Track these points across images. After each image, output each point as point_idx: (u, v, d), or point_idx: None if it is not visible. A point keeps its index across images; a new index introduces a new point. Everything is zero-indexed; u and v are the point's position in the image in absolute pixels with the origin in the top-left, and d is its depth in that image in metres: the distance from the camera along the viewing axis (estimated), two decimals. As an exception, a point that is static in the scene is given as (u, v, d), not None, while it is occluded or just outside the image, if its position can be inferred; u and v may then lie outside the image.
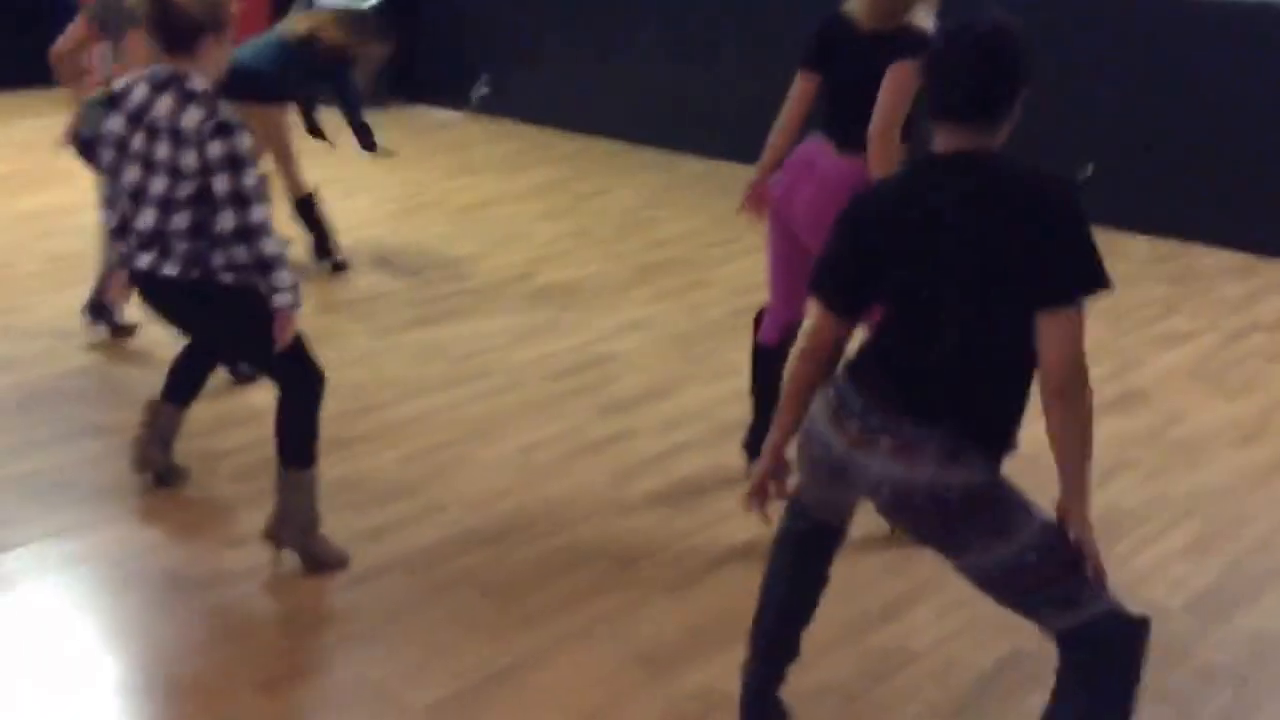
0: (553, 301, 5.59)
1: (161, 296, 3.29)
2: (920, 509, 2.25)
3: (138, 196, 3.18)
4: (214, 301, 3.23)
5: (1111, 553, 3.02)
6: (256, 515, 3.44)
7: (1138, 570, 3.47)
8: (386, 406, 4.37)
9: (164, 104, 3.13)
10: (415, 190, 7.32)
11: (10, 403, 4.32)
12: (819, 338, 2.40)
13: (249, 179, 3.08)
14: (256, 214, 3.09)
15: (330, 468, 3.55)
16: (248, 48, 5.35)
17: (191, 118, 3.08)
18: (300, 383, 3.29)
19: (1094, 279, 2.16)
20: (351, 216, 6.37)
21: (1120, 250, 6.57)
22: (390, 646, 3.04)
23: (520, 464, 4.02)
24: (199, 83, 3.15)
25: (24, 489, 3.73)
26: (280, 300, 3.14)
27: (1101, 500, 3.32)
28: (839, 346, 2.43)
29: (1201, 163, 6.58)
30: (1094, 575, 2.21)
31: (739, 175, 7.41)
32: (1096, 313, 5.34)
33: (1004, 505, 2.24)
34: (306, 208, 5.77)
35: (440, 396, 4.48)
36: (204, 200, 3.11)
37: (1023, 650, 3.00)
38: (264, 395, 3.75)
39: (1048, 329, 2.15)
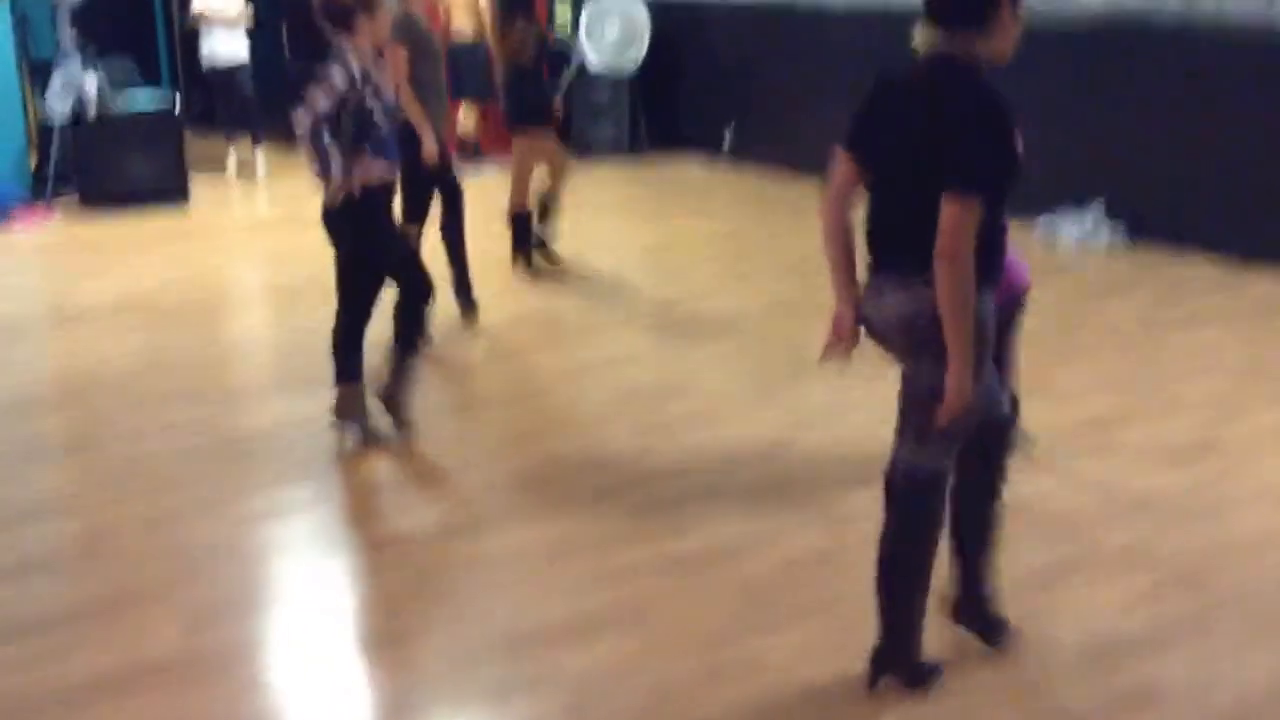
0: (666, 331, 5.82)
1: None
2: (924, 327, 2.69)
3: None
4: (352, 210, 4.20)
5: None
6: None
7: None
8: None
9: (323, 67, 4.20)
10: (610, 234, 7.79)
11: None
12: (841, 176, 2.87)
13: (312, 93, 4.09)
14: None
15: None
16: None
17: (337, 76, 4.14)
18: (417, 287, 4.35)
19: (969, 180, 2.59)
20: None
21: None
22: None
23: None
24: (351, 53, 4.19)
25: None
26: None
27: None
28: (853, 191, 2.86)
29: None
30: (938, 421, 2.68)
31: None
32: (1229, 367, 5.05)
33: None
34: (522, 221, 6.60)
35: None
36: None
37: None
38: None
39: (942, 208, 2.60)
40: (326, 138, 4.10)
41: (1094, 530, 3.74)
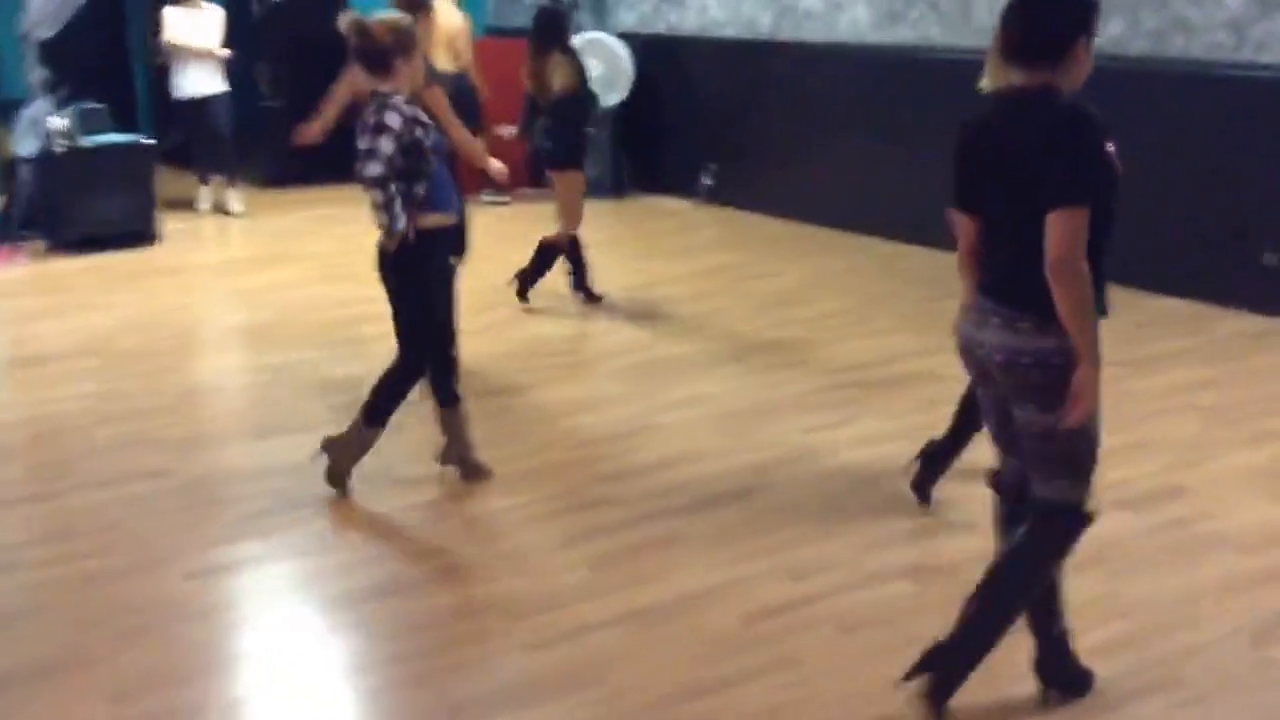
0: (639, 374, 5.77)
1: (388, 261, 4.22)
2: (1027, 369, 2.80)
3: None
4: (407, 256, 4.13)
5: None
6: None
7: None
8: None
9: (370, 113, 4.10)
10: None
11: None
12: (965, 237, 3.00)
13: (379, 143, 4.01)
14: (370, 169, 4.02)
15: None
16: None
17: (392, 119, 4.03)
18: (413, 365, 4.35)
19: (1074, 192, 2.68)
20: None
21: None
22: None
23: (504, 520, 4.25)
24: (394, 96, 4.10)
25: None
26: (379, 220, 4.07)
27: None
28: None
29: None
30: (1078, 416, 2.73)
31: (926, 259, 7.62)
32: (1198, 409, 5.02)
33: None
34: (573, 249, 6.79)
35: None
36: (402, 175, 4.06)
37: None
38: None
39: (1048, 224, 2.69)
40: (393, 186, 4.04)
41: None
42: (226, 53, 9.10)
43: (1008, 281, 2.85)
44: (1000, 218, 2.87)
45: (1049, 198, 2.68)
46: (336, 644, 3.50)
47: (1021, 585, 2.97)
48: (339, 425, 4.99)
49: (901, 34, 8.08)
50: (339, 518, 4.24)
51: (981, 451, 4.56)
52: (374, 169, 4.02)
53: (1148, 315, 6.35)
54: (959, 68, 7.85)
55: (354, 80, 5.33)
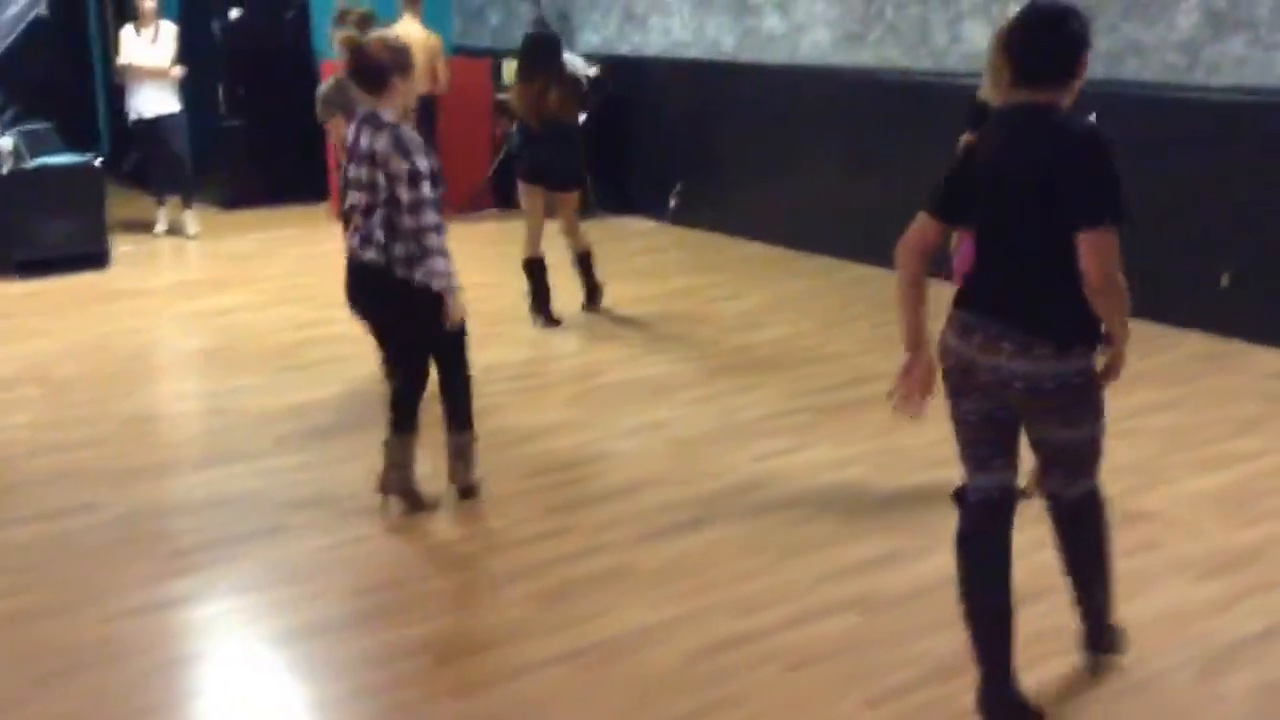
0: (595, 400, 5.69)
1: (364, 284, 4.10)
2: (1050, 393, 2.88)
3: (356, 208, 4.06)
4: (394, 291, 4.02)
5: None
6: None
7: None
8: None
9: (364, 135, 4.00)
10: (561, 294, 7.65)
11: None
12: (923, 235, 3.03)
13: (423, 190, 3.90)
14: (427, 218, 3.92)
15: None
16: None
17: (382, 143, 3.92)
18: (458, 368, 4.34)
19: (1111, 208, 2.75)
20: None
21: (1246, 363, 5.92)
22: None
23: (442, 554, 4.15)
24: (389, 115, 4.00)
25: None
26: (438, 284, 3.96)
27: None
28: (934, 249, 3.03)
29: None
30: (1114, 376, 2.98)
31: (890, 282, 7.54)
32: (1153, 432, 4.97)
33: (1098, 392, 2.98)
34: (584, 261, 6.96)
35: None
36: (392, 205, 3.96)
37: None
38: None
39: (1083, 246, 2.76)
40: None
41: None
42: (180, 71, 8.98)
43: (1023, 307, 2.87)
44: (1014, 240, 2.88)
45: (1082, 218, 2.74)
46: (260, 690, 3.38)
47: (1104, 561, 3.21)
48: (282, 456, 4.91)
49: (862, 56, 8.05)
50: (277, 553, 4.13)
51: (938, 474, 4.56)
52: (430, 218, 3.95)
53: (1107, 337, 6.32)
54: (918, 89, 7.97)
55: (339, 132, 5.29)
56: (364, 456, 4.58)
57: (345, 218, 4.36)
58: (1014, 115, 2.92)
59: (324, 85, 6.08)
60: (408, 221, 3.94)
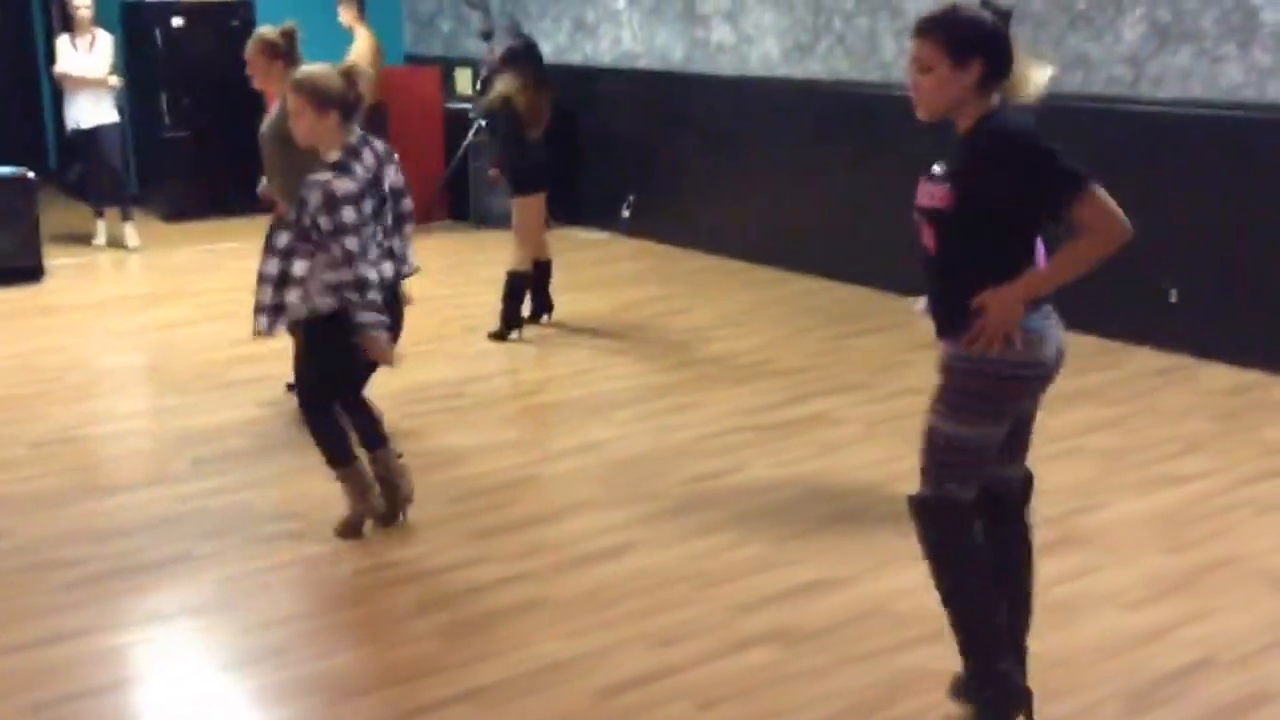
0: (530, 420, 5.56)
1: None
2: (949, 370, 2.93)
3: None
4: (315, 327, 4.01)
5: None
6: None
7: None
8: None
9: (368, 157, 4.05)
10: (494, 310, 7.51)
11: None
12: None
13: (343, 217, 3.82)
14: (350, 243, 3.82)
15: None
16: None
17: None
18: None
19: (1076, 176, 2.74)
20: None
21: (1194, 379, 5.83)
22: None
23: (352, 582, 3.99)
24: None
25: None
26: (364, 318, 3.85)
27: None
28: None
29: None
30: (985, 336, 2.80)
31: (841, 294, 7.49)
32: (1095, 451, 4.87)
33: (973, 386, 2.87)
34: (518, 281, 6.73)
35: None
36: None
37: None
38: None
39: (1077, 217, 2.76)
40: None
41: (941, 635, 3.47)
42: (117, 81, 8.81)
43: (955, 290, 2.91)
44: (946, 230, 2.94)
45: (1061, 192, 2.74)
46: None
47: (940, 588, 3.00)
48: (197, 481, 4.74)
49: (811, 67, 7.95)
50: (180, 584, 3.95)
51: (871, 497, 4.44)
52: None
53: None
54: (866, 101, 7.87)
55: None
56: (280, 481, 4.43)
57: None
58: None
59: None
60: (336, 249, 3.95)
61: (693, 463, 4.93)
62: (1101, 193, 2.75)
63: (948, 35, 2.76)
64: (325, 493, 4.36)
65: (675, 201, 9.20)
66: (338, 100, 3.95)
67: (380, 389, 5.51)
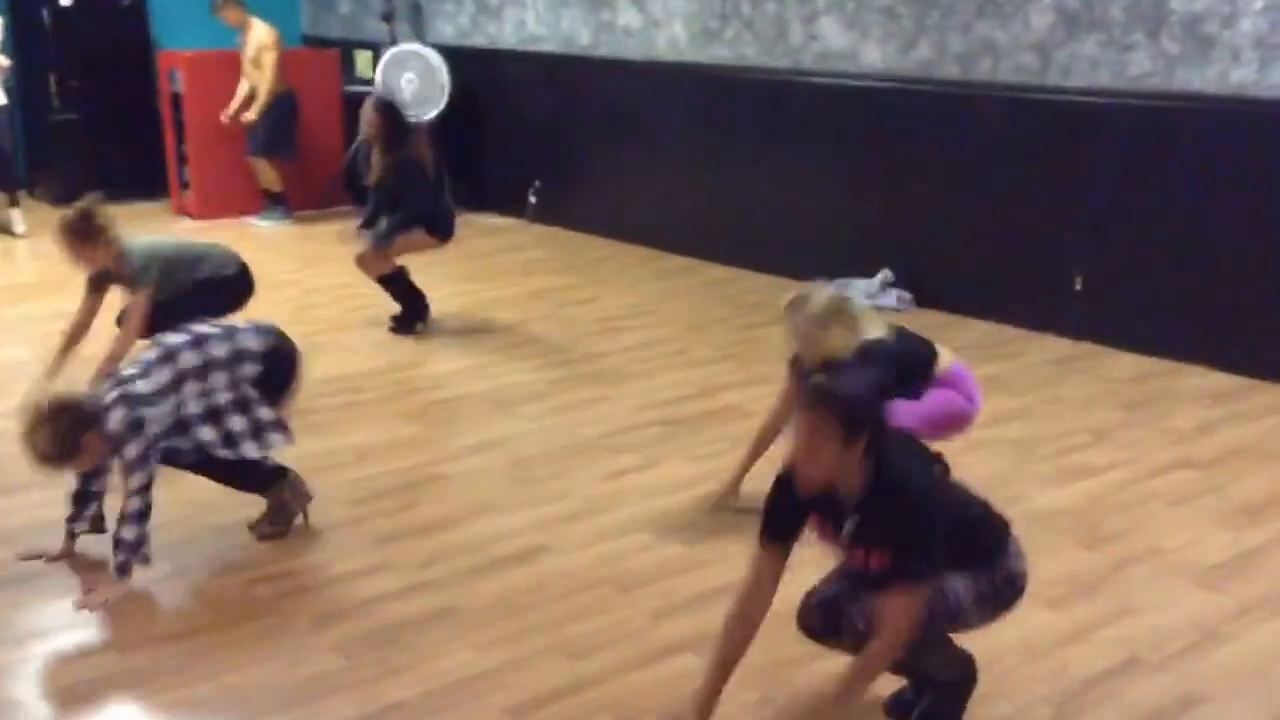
0: (433, 415, 5.37)
1: None
2: None
3: None
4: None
5: None
6: None
7: None
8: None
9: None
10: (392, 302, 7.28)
11: None
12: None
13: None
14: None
15: None
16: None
17: None
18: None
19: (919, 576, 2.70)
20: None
21: (1099, 367, 5.86)
22: None
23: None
24: None
25: None
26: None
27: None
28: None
29: (1202, 277, 5.83)
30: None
31: (752, 283, 7.40)
32: (1006, 442, 4.80)
33: None
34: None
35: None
36: None
37: None
38: None
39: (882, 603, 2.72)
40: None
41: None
42: (5, 62, 8.38)
43: None
44: None
45: None
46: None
47: None
48: (50, 490, 4.39)
49: (718, 52, 7.84)
50: (61, 596, 3.71)
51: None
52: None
53: (961, 341, 6.19)
54: (774, 87, 7.79)
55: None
56: (171, 481, 4.16)
57: None
58: None
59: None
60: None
61: (603, 459, 4.80)
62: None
63: (842, 414, 2.61)
64: (218, 497, 4.14)
65: (582, 187, 9.04)
66: None
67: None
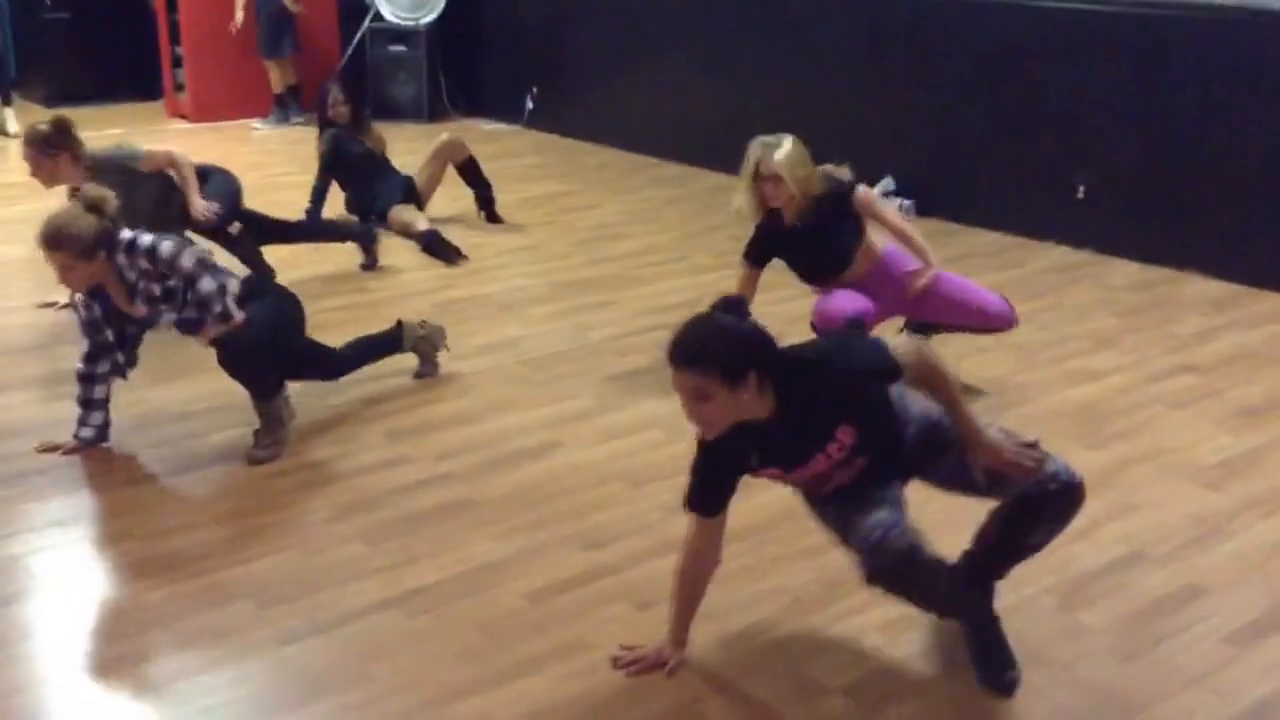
0: (443, 316, 5.38)
1: None
2: None
3: None
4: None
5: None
6: None
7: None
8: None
9: None
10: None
11: None
12: None
13: None
14: None
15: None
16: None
17: None
18: None
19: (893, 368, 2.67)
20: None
21: (1101, 275, 5.91)
22: None
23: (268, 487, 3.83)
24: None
25: None
26: None
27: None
28: None
29: (1204, 186, 5.85)
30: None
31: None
32: (1011, 345, 4.86)
33: None
34: None
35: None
36: None
37: None
38: None
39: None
40: None
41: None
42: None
43: None
44: None
45: None
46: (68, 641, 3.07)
47: None
48: (62, 385, 4.37)
49: (722, -45, 7.75)
50: (79, 488, 3.76)
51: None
52: None
53: (964, 249, 6.23)
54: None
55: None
56: (180, 376, 4.21)
57: None
58: None
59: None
60: None
61: (611, 361, 4.85)
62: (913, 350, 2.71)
63: (717, 365, 2.49)
64: (228, 389, 4.16)
65: (581, 94, 8.97)
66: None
67: (281, 279, 5.25)
